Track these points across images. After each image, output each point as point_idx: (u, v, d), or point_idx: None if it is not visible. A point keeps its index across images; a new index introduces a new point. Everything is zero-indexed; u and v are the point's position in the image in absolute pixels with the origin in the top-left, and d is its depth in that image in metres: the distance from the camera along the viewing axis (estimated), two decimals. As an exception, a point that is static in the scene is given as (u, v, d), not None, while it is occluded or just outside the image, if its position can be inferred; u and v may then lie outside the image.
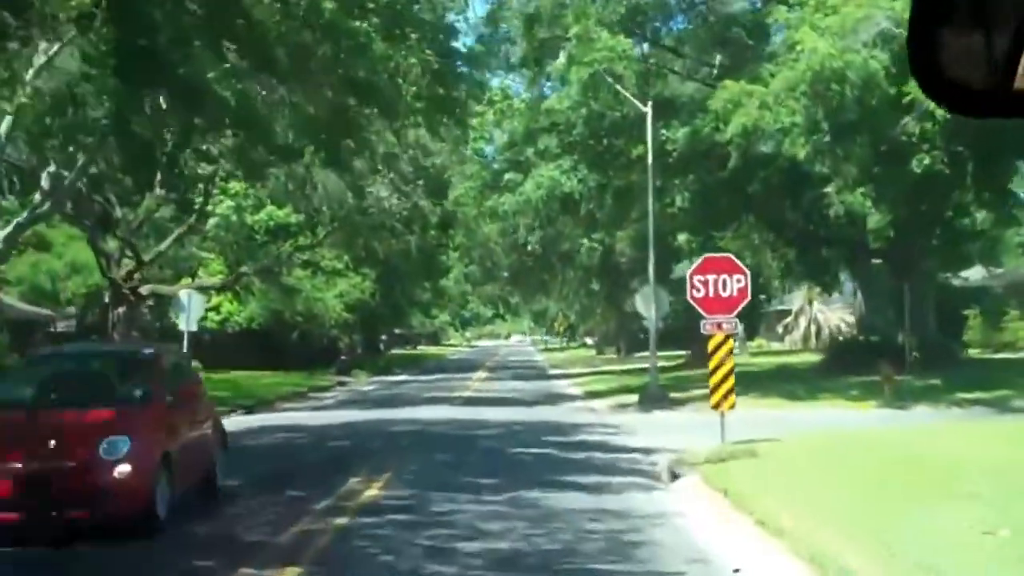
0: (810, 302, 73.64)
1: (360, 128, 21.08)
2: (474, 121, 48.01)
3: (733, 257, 16.07)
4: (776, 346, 76.16)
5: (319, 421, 23.57)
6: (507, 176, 30.66)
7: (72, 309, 50.77)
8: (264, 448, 18.24)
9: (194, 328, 28.05)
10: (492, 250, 48.58)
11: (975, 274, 48.00)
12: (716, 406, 15.12)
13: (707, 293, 15.08)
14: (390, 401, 31.46)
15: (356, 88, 18.74)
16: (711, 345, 15.21)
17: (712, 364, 15.12)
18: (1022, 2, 1.59)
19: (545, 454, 16.63)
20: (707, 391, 30.80)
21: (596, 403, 29.22)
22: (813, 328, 74.03)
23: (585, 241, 37.89)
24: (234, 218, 49.95)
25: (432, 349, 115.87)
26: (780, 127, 24.46)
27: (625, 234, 36.70)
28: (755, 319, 65.47)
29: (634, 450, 16.70)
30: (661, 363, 55.97)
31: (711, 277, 15.13)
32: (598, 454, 16.32)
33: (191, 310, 27.66)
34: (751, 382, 31.63)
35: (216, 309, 53.35)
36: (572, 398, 32.98)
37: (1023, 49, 1.58)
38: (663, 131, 28.73)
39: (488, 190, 31.61)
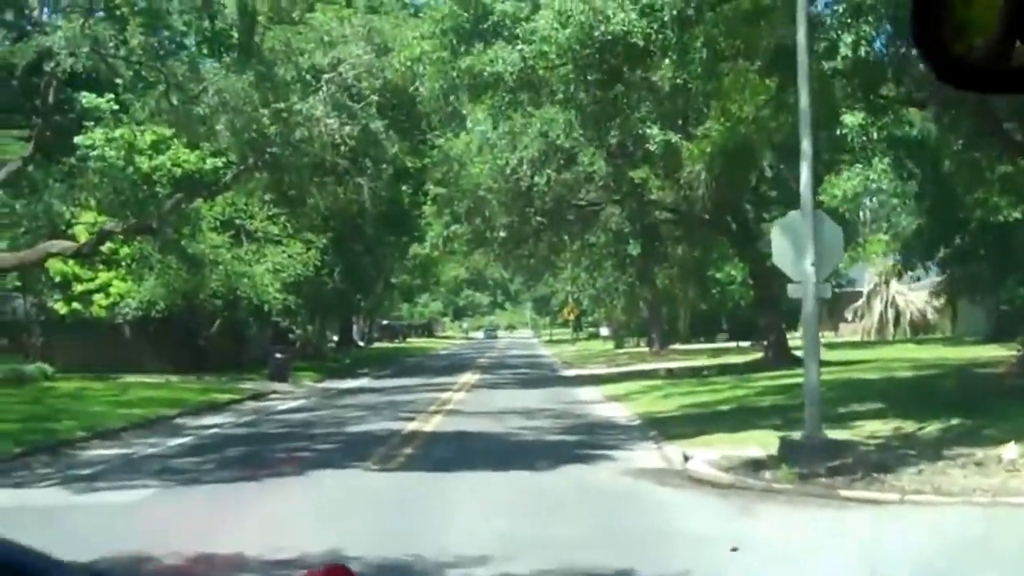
0: (886, 282, 58.73)
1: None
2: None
3: None
4: (828, 335, 61.24)
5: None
6: (501, 6, 15.43)
7: None
8: None
9: None
10: (484, 201, 33.63)
11: None
12: None
13: None
14: (267, 452, 16.46)
15: None
16: None
17: None
18: None
19: None
20: (905, 429, 14.54)
21: (685, 455, 14.06)
22: (891, 313, 59.27)
23: (650, 128, 21.66)
24: (120, 161, 34.89)
25: (421, 342, 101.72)
26: None
27: (698, 149, 21.50)
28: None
29: None
30: (708, 361, 40.43)
31: None
32: None
33: None
34: (936, 403, 16.94)
35: (104, 289, 38.39)
36: (624, 433, 17.95)
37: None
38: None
39: (465, 41, 16.21)
